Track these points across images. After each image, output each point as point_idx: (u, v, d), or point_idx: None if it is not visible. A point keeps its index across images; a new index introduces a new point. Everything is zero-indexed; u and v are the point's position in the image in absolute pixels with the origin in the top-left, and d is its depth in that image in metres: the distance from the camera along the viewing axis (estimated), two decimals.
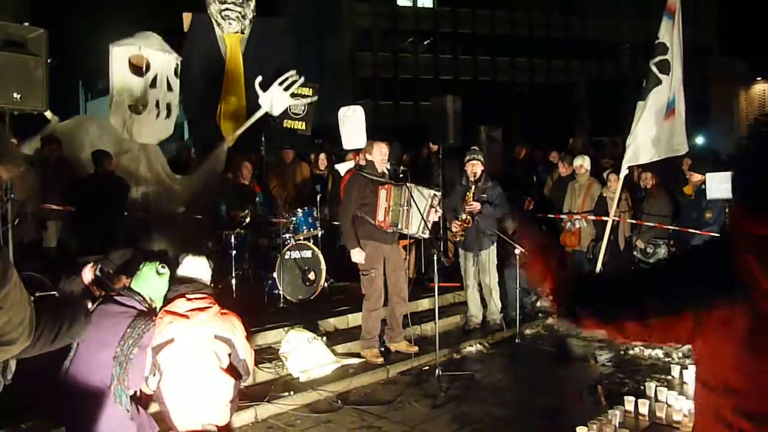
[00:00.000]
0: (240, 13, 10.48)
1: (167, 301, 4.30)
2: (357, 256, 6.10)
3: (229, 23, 10.37)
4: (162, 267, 4.23)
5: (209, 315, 4.27)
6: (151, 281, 4.23)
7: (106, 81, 8.57)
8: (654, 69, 7.63)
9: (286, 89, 9.03)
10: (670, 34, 7.70)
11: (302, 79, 9.09)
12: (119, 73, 8.09)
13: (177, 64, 8.55)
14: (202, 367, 4.21)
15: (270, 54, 10.58)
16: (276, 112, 9.13)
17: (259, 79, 8.99)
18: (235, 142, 9.48)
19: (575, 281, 1.77)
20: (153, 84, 8.22)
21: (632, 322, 1.57)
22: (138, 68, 8.11)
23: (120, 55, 8.11)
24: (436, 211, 6.28)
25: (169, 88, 8.42)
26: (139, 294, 4.18)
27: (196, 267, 4.47)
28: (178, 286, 4.33)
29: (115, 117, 8.12)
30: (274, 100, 9.00)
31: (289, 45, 11.11)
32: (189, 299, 4.26)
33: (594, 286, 1.74)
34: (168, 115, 8.44)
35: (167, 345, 4.14)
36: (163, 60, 8.33)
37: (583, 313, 1.66)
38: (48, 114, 7.63)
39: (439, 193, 6.39)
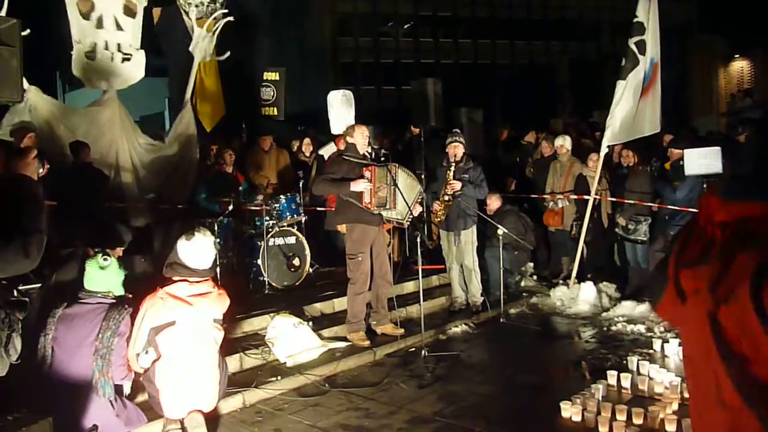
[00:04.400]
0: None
1: (168, 280, 4.31)
2: (361, 184, 5.98)
3: (193, 9, 10.22)
4: (104, 260, 4.28)
5: (210, 300, 4.33)
6: (99, 277, 4.28)
7: None
8: (633, 48, 7.68)
9: (207, 30, 8.88)
10: (646, 12, 7.74)
11: (219, 12, 8.89)
12: (73, 21, 7.76)
13: (125, 3, 8.09)
14: (201, 354, 4.26)
15: (257, 51, 10.48)
16: (200, 56, 9.05)
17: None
18: (213, 127, 9.43)
19: None
20: (99, 25, 7.87)
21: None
22: (84, 12, 7.81)
23: (70, 2, 7.75)
24: (419, 206, 6.38)
25: (118, 27, 8.00)
26: (98, 291, 4.24)
27: (208, 254, 4.41)
28: (182, 269, 4.30)
29: (77, 68, 7.87)
30: (200, 44, 8.88)
31: (265, 28, 10.96)
32: (191, 283, 4.30)
33: None
34: (127, 58, 8.08)
35: (168, 327, 4.18)
36: None
37: None
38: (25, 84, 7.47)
39: (423, 193, 6.53)
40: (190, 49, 8.95)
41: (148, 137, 8.55)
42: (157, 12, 10.09)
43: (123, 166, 8.04)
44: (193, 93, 9.52)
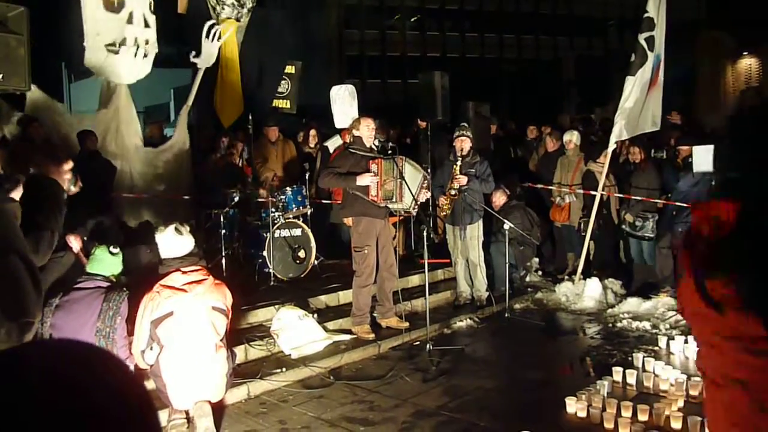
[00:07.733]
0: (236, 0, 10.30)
1: (162, 275, 4.35)
2: (366, 179, 5.99)
3: (222, 8, 10.21)
4: (114, 247, 4.39)
5: (206, 287, 4.34)
6: (106, 261, 4.41)
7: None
8: (643, 43, 7.63)
9: (213, 40, 8.87)
10: (656, 8, 7.69)
11: (221, 26, 8.90)
12: (92, 14, 7.80)
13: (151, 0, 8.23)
14: (201, 341, 4.27)
15: (269, 44, 10.51)
16: (210, 62, 9.06)
17: (193, 53, 8.97)
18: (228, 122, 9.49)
19: None
20: (130, 20, 7.95)
21: None
22: (111, 5, 7.86)
23: None
24: (426, 191, 6.37)
25: (146, 24, 8.12)
26: (99, 275, 4.35)
27: (178, 240, 4.48)
28: (171, 261, 4.37)
29: (91, 59, 7.88)
30: (205, 53, 8.89)
31: (271, 20, 11.01)
32: (184, 272, 4.32)
33: None
34: (146, 54, 8.17)
35: (166, 318, 4.20)
36: None
37: None
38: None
39: (428, 176, 6.46)
40: (196, 60, 8.90)
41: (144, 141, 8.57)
42: (183, 2, 10.09)
43: (126, 155, 8.05)
44: (213, 90, 9.54)
